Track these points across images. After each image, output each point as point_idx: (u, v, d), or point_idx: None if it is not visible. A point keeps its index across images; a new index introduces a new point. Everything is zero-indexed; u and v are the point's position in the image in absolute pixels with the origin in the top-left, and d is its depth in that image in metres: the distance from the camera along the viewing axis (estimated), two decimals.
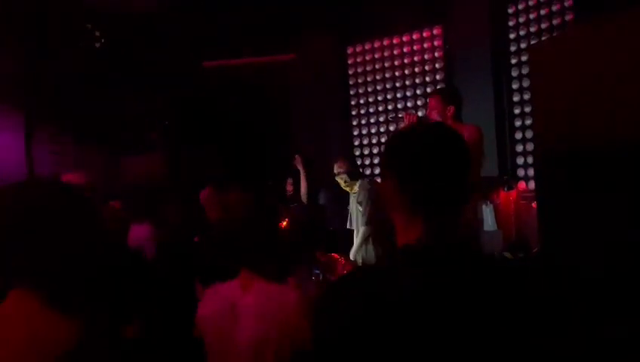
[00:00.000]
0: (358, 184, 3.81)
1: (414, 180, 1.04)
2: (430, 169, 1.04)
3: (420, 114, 4.83)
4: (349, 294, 1.00)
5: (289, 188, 4.73)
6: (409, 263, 1.00)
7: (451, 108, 3.32)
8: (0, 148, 4.99)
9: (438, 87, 5.17)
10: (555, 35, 4.20)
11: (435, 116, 3.38)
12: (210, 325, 1.67)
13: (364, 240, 3.69)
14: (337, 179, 3.86)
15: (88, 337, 1.13)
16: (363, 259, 3.66)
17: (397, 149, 1.10)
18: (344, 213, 4.09)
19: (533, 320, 0.96)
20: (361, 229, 3.70)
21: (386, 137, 5.63)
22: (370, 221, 3.66)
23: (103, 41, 5.04)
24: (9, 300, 1.15)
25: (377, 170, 5.68)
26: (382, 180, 1.09)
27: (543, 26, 4.39)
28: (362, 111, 5.79)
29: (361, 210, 3.73)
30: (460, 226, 1.05)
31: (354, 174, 3.85)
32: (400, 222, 1.07)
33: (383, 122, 5.65)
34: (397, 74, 5.53)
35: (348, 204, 3.97)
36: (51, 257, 1.16)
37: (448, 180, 1.04)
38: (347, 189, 3.87)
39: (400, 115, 5.17)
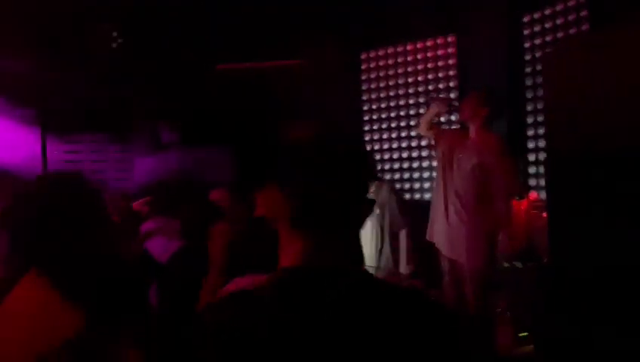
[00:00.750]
0: (374, 186, 3.77)
1: (297, 192, 0.89)
2: (317, 181, 0.88)
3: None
4: (206, 325, 0.88)
5: None
6: (275, 291, 0.87)
7: (484, 111, 3.25)
8: (14, 145, 5.06)
9: (451, 95, 5.16)
10: (568, 41, 4.18)
11: (466, 115, 3.31)
12: None
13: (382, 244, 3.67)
14: None
15: (92, 324, 1.15)
16: (381, 264, 3.65)
17: (286, 156, 0.94)
18: None
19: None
20: (381, 232, 3.67)
21: (398, 144, 5.62)
22: (391, 225, 3.64)
23: (120, 41, 5.10)
24: (23, 283, 1.19)
25: (389, 176, 5.68)
26: (266, 188, 0.94)
27: (559, 35, 4.37)
28: (375, 117, 5.79)
29: (378, 212, 3.69)
30: (343, 249, 0.90)
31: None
32: (282, 237, 0.93)
33: (395, 128, 5.65)
34: (410, 80, 5.53)
35: None
36: (63, 247, 1.21)
37: (336, 197, 0.88)
38: None
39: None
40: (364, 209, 0.94)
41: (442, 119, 5.02)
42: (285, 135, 0.96)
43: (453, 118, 4.94)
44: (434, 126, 3.69)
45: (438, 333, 0.87)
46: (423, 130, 3.70)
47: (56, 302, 1.18)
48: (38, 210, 1.22)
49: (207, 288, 1.89)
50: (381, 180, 4.11)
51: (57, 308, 1.17)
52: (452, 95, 5.22)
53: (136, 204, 3.03)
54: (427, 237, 3.52)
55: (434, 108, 3.62)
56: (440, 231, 3.41)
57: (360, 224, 0.95)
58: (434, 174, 5.31)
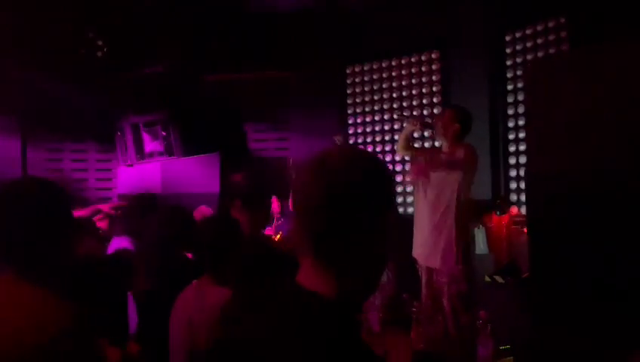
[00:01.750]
0: None
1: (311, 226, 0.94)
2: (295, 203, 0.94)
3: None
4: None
5: (275, 204, 4.71)
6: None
7: (456, 127, 3.38)
8: None
9: (434, 110, 5.25)
10: (551, 55, 4.29)
11: (439, 132, 3.43)
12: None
13: None
14: None
15: (79, 319, 1.17)
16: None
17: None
18: None
19: None
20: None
21: (382, 157, 5.67)
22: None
23: (105, 50, 5.08)
24: (2, 283, 1.22)
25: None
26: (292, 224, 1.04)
27: (540, 54, 4.48)
28: (359, 131, 5.84)
29: None
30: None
31: None
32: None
33: (379, 142, 5.70)
34: (394, 95, 5.60)
35: None
36: (45, 247, 1.22)
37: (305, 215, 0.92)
38: None
39: (405, 114, 5.17)
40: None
41: (416, 135, 5.12)
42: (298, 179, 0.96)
43: (426, 134, 5.03)
44: (410, 146, 3.84)
45: None
46: (400, 149, 3.84)
47: (44, 299, 1.20)
48: (26, 212, 1.24)
49: None
50: None
51: (46, 304, 1.19)
52: (425, 112, 5.32)
53: (105, 207, 3.02)
54: (413, 254, 3.58)
55: (407, 128, 3.75)
56: (419, 243, 3.49)
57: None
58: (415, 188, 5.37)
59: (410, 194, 5.39)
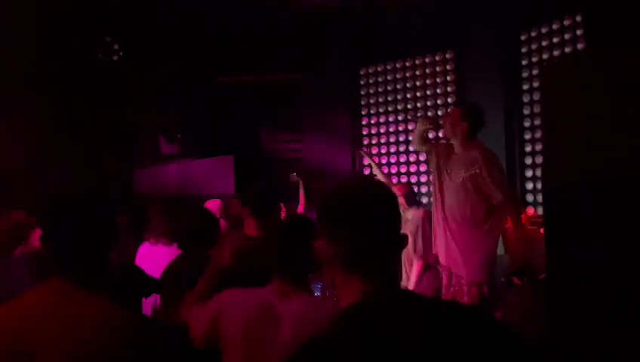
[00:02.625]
0: (412, 211, 3.78)
1: (343, 238, 1.05)
2: (356, 225, 1.04)
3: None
4: None
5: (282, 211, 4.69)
6: (349, 328, 1.00)
7: (464, 125, 3.28)
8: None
9: (449, 109, 5.21)
10: (567, 54, 4.24)
11: (448, 126, 3.35)
12: (243, 326, 1.68)
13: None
14: None
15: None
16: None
17: (324, 206, 1.10)
18: None
19: None
20: (415, 262, 3.68)
21: (396, 158, 5.66)
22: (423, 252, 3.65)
23: (121, 53, 5.14)
24: (47, 286, 1.26)
25: None
26: (317, 236, 1.10)
27: (555, 52, 4.44)
28: (373, 132, 5.83)
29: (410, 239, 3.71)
30: (395, 278, 1.06)
31: (411, 199, 3.81)
32: (338, 280, 1.08)
33: (393, 143, 5.69)
34: (408, 96, 5.58)
35: None
36: (97, 256, 1.30)
37: (377, 235, 1.04)
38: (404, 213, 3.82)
39: (419, 115, 5.14)
40: (400, 245, 1.10)
41: (430, 135, 5.08)
42: (324, 193, 1.12)
43: (440, 134, 5.01)
44: (427, 140, 3.75)
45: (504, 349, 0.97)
46: (416, 145, 3.77)
47: (109, 308, 1.25)
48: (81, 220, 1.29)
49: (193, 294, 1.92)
50: (420, 204, 4.08)
51: (113, 312, 1.24)
52: (439, 112, 5.29)
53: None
54: (433, 251, 3.53)
55: (420, 125, 3.69)
56: (440, 244, 3.42)
57: (397, 257, 1.14)
58: (432, 188, 5.34)
59: (425, 194, 5.38)
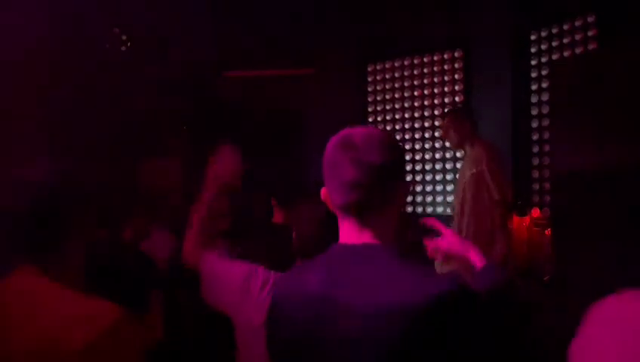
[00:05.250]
0: None
1: (338, 191, 1.10)
2: (349, 181, 1.07)
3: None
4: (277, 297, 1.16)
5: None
6: (321, 263, 1.10)
7: (467, 124, 3.33)
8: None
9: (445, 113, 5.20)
10: (577, 54, 4.20)
11: (453, 134, 3.39)
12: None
13: None
14: None
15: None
16: None
17: (324, 154, 1.16)
18: None
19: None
20: None
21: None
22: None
23: (129, 44, 5.14)
24: (16, 276, 1.23)
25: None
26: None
27: (565, 54, 4.40)
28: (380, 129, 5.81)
29: None
30: (383, 231, 1.10)
31: None
32: (339, 222, 1.17)
33: (400, 141, 5.67)
34: (416, 94, 5.56)
35: None
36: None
37: (369, 191, 1.07)
38: None
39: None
40: (401, 196, 1.14)
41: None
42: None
43: (447, 144, 4.99)
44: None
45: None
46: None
47: (81, 297, 1.21)
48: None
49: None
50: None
51: (86, 302, 1.20)
52: (446, 110, 5.25)
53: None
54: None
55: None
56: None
57: (398, 208, 1.15)
58: (438, 188, 5.34)
59: (431, 193, 5.36)
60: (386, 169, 1.08)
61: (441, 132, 3.77)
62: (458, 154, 4.99)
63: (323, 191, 1.15)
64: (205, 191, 2.04)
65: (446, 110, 5.29)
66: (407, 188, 1.16)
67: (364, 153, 1.06)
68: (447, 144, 4.85)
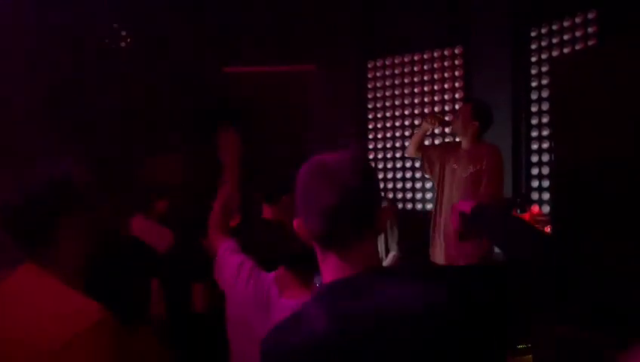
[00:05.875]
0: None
1: (315, 214, 1.03)
2: (327, 201, 1.01)
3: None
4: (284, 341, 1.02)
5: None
6: (325, 302, 1.02)
7: (475, 124, 3.31)
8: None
9: (456, 105, 5.19)
10: (577, 50, 4.20)
11: (459, 123, 3.36)
12: (246, 310, 1.76)
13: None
14: None
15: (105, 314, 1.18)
16: None
17: (298, 182, 1.08)
18: None
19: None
20: (391, 254, 3.73)
21: (402, 153, 5.64)
22: (399, 245, 3.71)
23: (128, 40, 5.12)
24: (17, 273, 1.24)
25: (391, 185, 5.68)
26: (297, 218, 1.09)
27: (566, 50, 4.40)
28: (379, 126, 5.81)
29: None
30: (369, 256, 1.05)
31: None
32: (318, 257, 1.08)
33: (399, 137, 5.66)
34: (416, 91, 5.55)
35: None
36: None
37: (350, 210, 1.01)
38: None
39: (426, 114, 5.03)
40: (380, 219, 1.07)
41: (437, 131, 5.09)
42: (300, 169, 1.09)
43: (447, 130, 5.01)
44: (422, 146, 3.80)
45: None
46: (411, 151, 3.80)
47: (67, 293, 1.21)
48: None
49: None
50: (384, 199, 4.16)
51: (70, 299, 1.20)
52: (446, 107, 5.26)
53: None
54: (430, 258, 3.55)
55: (424, 126, 3.71)
56: (438, 250, 3.45)
57: (376, 233, 1.09)
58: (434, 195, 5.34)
59: (431, 190, 5.35)
60: (367, 192, 1.04)
61: (454, 115, 3.75)
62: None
63: (296, 222, 1.07)
64: (225, 181, 2.11)
65: (446, 107, 5.30)
66: (388, 213, 1.17)
67: (343, 177, 1.01)
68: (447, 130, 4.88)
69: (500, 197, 3.35)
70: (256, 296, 1.73)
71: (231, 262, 1.88)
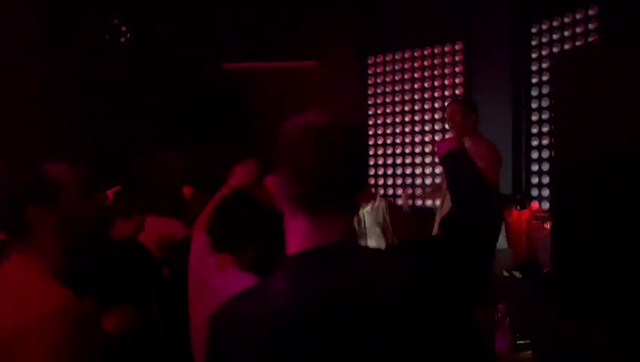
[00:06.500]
0: (375, 202, 3.82)
1: (297, 179, 0.94)
2: (308, 161, 0.93)
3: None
4: (236, 314, 0.92)
5: None
6: (292, 272, 0.93)
7: (473, 117, 3.33)
8: None
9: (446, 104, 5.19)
10: (578, 46, 4.20)
11: (458, 121, 3.38)
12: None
13: None
14: None
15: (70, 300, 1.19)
16: None
17: (279, 139, 0.99)
18: None
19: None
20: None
21: (402, 149, 5.64)
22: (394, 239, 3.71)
23: (128, 36, 5.11)
24: (10, 263, 1.27)
25: (391, 181, 5.69)
26: (273, 175, 0.99)
27: (566, 46, 4.39)
28: (379, 122, 5.80)
29: (378, 229, 3.76)
30: (346, 230, 0.96)
31: (366, 197, 3.87)
32: (287, 223, 0.99)
33: (399, 133, 5.66)
34: (416, 87, 5.55)
35: None
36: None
37: (331, 180, 0.94)
38: (363, 210, 3.88)
39: (428, 188, 4.97)
40: (360, 192, 1.01)
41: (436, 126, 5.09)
42: (291, 124, 1.00)
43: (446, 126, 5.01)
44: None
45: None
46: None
47: (37, 280, 1.23)
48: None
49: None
50: (378, 196, 4.14)
51: (48, 284, 1.22)
52: (446, 104, 5.25)
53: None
54: None
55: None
56: None
57: (355, 207, 1.02)
58: (438, 180, 5.33)
59: (428, 186, 5.35)
60: (356, 156, 0.98)
61: (448, 115, 3.73)
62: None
63: (271, 180, 0.99)
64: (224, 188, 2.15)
65: (446, 103, 5.29)
66: (371, 194, 1.14)
67: (332, 136, 0.94)
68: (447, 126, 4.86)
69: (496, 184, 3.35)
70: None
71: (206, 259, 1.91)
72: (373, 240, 3.88)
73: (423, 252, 1.01)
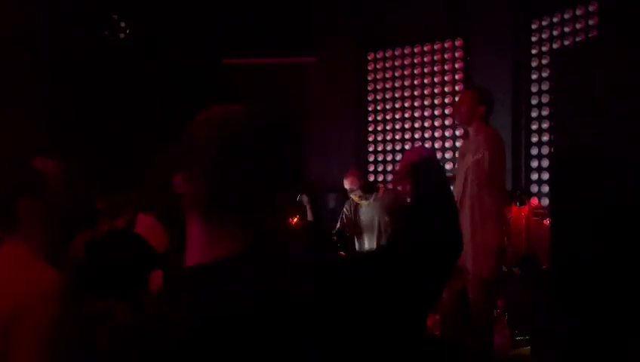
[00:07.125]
0: (374, 196, 3.82)
1: (206, 178, 0.81)
2: (211, 165, 0.80)
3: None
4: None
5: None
6: (187, 289, 0.78)
7: (481, 109, 3.26)
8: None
9: (456, 98, 5.18)
10: (578, 42, 4.20)
11: (465, 110, 3.31)
12: None
13: None
14: (351, 196, 3.86)
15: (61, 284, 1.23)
16: None
17: (188, 134, 0.86)
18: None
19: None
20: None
21: (401, 145, 5.64)
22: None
23: (127, 32, 5.10)
24: (2, 251, 1.32)
25: (391, 177, 5.69)
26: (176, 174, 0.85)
27: (566, 42, 4.39)
28: (379, 118, 5.80)
29: (375, 223, 3.77)
30: (253, 237, 0.82)
31: (368, 188, 3.86)
32: (190, 229, 0.84)
33: (399, 129, 5.66)
34: (416, 83, 5.54)
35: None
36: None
37: (236, 179, 0.80)
38: (362, 203, 3.88)
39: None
40: (282, 197, 0.87)
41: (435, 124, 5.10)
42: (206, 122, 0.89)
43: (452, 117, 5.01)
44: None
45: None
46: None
47: (27, 265, 1.27)
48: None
49: None
50: (382, 189, 4.11)
51: (40, 266, 1.26)
52: (446, 100, 5.25)
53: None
54: None
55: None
56: None
57: (276, 208, 0.87)
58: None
59: None
60: (278, 149, 0.86)
61: (457, 102, 3.69)
62: (457, 143, 5.01)
63: (178, 178, 0.84)
64: None
65: (446, 99, 5.30)
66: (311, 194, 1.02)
67: (245, 130, 0.84)
68: (451, 118, 4.86)
69: (502, 178, 3.30)
70: None
71: None
72: (367, 237, 3.87)
73: (371, 266, 0.85)
